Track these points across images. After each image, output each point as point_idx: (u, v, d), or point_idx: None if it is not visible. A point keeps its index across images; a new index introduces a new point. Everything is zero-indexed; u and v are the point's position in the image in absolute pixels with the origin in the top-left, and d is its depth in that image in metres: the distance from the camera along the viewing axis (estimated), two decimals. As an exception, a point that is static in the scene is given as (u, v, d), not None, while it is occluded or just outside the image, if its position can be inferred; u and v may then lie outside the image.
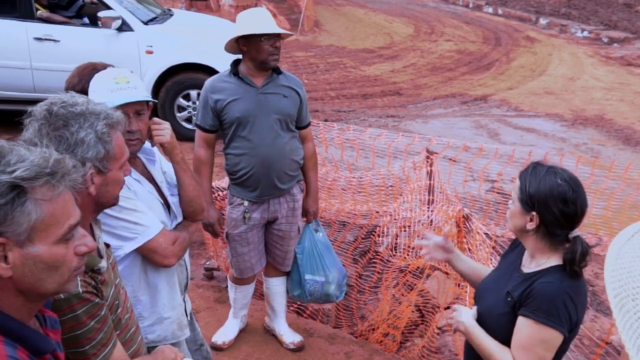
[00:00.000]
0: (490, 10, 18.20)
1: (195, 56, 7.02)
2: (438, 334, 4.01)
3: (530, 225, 2.02)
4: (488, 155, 5.98)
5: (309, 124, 3.57)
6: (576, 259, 1.95)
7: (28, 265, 1.22)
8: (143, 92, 2.19)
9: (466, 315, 2.15)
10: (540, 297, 1.96)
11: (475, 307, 2.20)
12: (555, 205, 1.96)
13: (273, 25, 3.23)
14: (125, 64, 6.72)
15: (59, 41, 6.79)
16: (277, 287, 3.74)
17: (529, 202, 2.00)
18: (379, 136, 5.58)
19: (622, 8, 17.13)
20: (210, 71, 6.76)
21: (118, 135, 1.75)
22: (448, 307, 4.19)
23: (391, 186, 5.38)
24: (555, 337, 1.95)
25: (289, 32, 3.42)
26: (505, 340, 2.05)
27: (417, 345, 4.05)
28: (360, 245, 4.86)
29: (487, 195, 5.88)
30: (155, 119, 2.36)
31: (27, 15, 6.84)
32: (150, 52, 6.97)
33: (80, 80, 2.29)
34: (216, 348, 3.68)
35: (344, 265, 4.02)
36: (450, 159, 6.03)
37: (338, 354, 3.80)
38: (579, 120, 9.14)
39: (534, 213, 2.00)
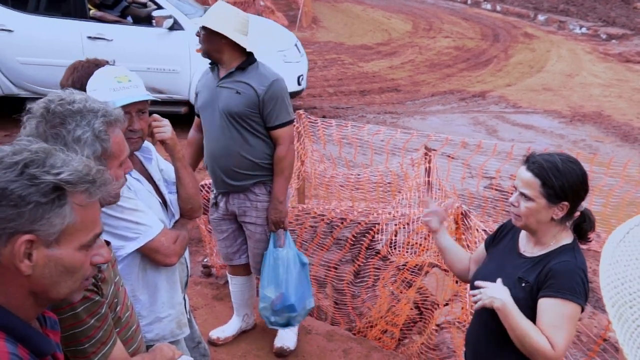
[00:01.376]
0: (489, 6, 18.17)
1: None
2: (436, 330, 4.01)
3: (559, 215, 2.09)
4: (486, 152, 5.98)
5: (280, 126, 3.35)
6: (592, 227, 2.15)
7: (49, 267, 1.24)
8: (145, 91, 2.18)
9: (501, 292, 2.08)
10: (561, 276, 2.04)
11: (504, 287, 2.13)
12: (583, 188, 2.11)
13: (204, 19, 3.30)
14: (176, 62, 7.00)
15: (111, 40, 6.90)
16: None
17: (560, 195, 2.06)
18: (377, 133, 5.58)
19: (620, 4, 17.12)
20: None
21: (117, 133, 1.74)
22: (447, 304, 4.19)
23: (389, 183, 5.38)
24: (578, 312, 2.05)
25: (211, 27, 3.24)
26: None
27: (415, 342, 4.05)
28: (358, 243, 4.85)
29: (485, 192, 5.88)
30: (155, 116, 2.35)
31: (81, 14, 6.96)
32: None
33: (76, 78, 2.27)
34: (210, 342, 3.68)
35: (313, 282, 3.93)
36: (449, 156, 6.02)
37: (336, 351, 3.80)
38: (577, 116, 9.14)
39: (565, 202, 2.08)
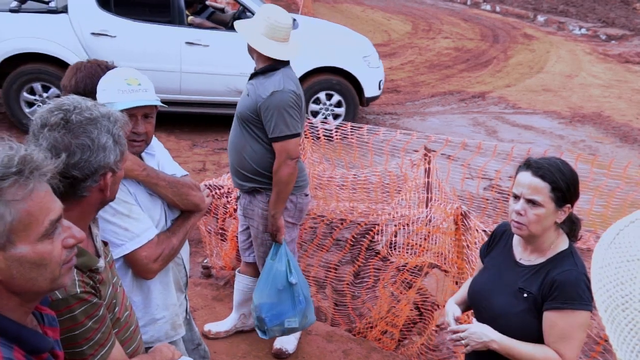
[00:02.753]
0: (488, 7, 18.17)
1: (329, 60, 7.42)
2: (436, 331, 4.01)
3: (561, 218, 2.08)
4: (486, 153, 5.98)
5: (276, 139, 3.26)
6: (579, 226, 2.15)
7: (15, 267, 1.20)
8: (153, 95, 2.17)
9: (490, 332, 2.06)
10: (566, 286, 2.02)
11: (483, 324, 2.12)
12: (578, 186, 2.10)
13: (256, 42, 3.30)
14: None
15: (208, 46, 7.05)
16: None
17: (567, 197, 2.05)
18: (376, 133, 5.57)
19: (619, 5, 17.13)
20: (344, 74, 7.40)
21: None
22: (446, 305, 4.18)
23: (389, 184, 5.37)
24: (588, 318, 2.04)
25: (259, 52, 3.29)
26: (530, 336, 2.06)
27: (415, 343, 4.04)
28: (357, 244, 4.85)
29: (485, 193, 5.88)
30: None
31: (180, 21, 7.13)
32: None
33: (80, 78, 2.26)
34: (203, 334, 3.68)
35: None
36: (449, 157, 6.02)
37: (336, 352, 3.80)
38: (577, 117, 9.15)
39: (568, 205, 2.07)
